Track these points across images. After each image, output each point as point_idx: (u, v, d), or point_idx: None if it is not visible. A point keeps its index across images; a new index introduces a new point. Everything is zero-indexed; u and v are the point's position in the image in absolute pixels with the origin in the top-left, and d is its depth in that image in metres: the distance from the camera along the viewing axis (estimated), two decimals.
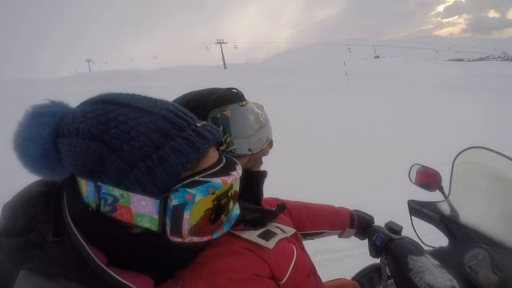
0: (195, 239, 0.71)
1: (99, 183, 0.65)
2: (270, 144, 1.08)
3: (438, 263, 1.22)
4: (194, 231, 0.70)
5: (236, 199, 0.81)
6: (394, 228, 1.48)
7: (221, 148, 0.96)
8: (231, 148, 0.97)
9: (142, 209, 0.65)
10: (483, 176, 1.50)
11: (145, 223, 0.66)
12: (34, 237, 0.67)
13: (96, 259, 0.66)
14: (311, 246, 1.40)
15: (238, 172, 0.78)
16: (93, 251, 0.66)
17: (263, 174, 1.09)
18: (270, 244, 0.92)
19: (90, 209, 0.66)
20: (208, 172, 0.72)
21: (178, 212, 0.65)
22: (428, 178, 1.71)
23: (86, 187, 0.66)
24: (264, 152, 1.06)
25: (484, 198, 1.51)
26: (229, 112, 0.96)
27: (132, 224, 0.66)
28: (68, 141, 0.66)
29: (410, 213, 1.78)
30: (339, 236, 1.66)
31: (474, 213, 1.53)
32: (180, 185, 0.67)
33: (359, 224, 1.62)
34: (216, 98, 0.98)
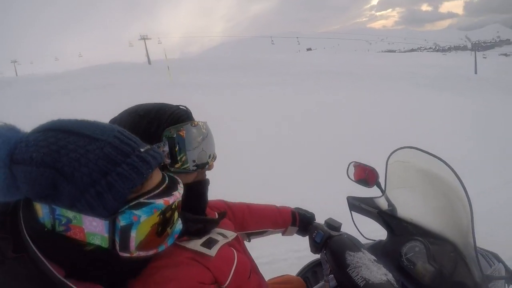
0: (142, 253, 0.77)
1: (53, 206, 0.70)
2: (214, 158, 1.14)
3: (375, 258, 1.28)
4: (141, 246, 0.76)
5: (180, 209, 0.88)
6: (333, 225, 1.53)
7: (177, 166, 1.01)
8: (186, 166, 1.03)
9: (93, 229, 0.72)
10: (414, 174, 1.58)
11: (97, 241, 0.72)
12: None
13: (55, 272, 0.71)
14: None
15: (179, 192, 0.84)
16: (51, 265, 0.71)
17: (206, 183, 1.15)
18: (213, 251, 0.99)
19: (46, 229, 0.72)
20: (152, 194, 0.78)
21: (125, 231, 0.72)
22: (366, 174, 1.78)
23: (41, 210, 0.71)
24: (209, 167, 1.12)
25: (417, 194, 1.59)
26: (184, 132, 1.01)
27: (85, 242, 0.72)
28: (23, 169, 0.69)
29: (350, 209, 1.85)
30: (283, 234, 1.71)
31: (410, 207, 1.62)
32: (126, 207, 0.73)
33: (300, 222, 1.68)
34: (169, 116, 1.03)
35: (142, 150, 0.78)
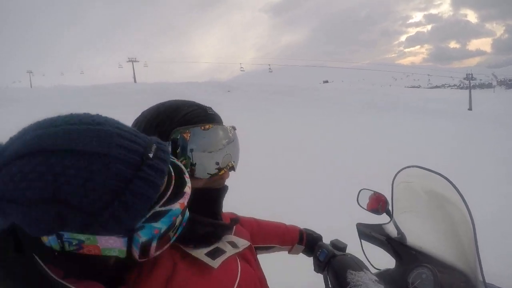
0: (159, 252, 0.74)
1: (61, 233, 0.63)
2: (229, 168, 1.06)
3: (376, 278, 1.23)
4: (160, 248, 0.73)
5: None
6: (338, 246, 1.50)
7: None
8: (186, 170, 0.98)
9: (110, 245, 0.66)
10: (420, 193, 1.54)
11: (113, 253, 0.68)
12: None
13: (51, 273, 0.66)
14: None
15: (189, 186, 0.78)
16: (48, 267, 0.66)
17: (224, 190, 1.09)
18: (216, 263, 0.92)
19: (53, 250, 0.65)
20: (165, 199, 0.71)
21: (147, 244, 0.68)
22: (378, 202, 1.72)
23: (46, 237, 0.64)
24: (223, 176, 1.04)
25: (424, 217, 1.54)
26: (188, 135, 0.95)
27: (100, 255, 0.67)
28: (17, 210, 0.60)
29: (359, 237, 1.78)
30: (289, 252, 1.68)
31: (419, 234, 1.55)
32: (143, 220, 0.67)
33: (307, 241, 1.65)
34: (183, 116, 0.98)
35: (151, 155, 0.69)
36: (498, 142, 12.47)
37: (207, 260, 0.91)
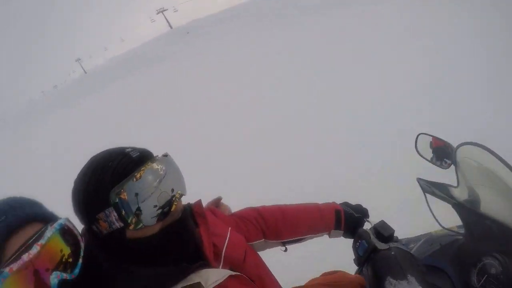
0: None
1: None
2: (180, 197, 0.96)
3: None
4: None
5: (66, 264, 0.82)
6: (382, 233, 1.21)
7: (130, 228, 0.88)
8: (139, 226, 0.88)
9: None
10: (485, 175, 1.24)
11: None
12: None
13: None
14: None
15: (31, 252, 0.75)
16: None
17: (181, 222, 0.98)
18: None
19: None
20: (7, 261, 0.74)
21: None
22: (446, 152, 1.43)
23: None
24: (177, 207, 0.95)
25: (493, 190, 1.26)
26: (125, 194, 0.86)
27: None
28: None
29: (424, 192, 1.47)
30: (329, 237, 1.45)
31: (492, 201, 1.25)
32: None
33: (345, 226, 1.40)
34: (111, 175, 0.89)
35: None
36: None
37: None
